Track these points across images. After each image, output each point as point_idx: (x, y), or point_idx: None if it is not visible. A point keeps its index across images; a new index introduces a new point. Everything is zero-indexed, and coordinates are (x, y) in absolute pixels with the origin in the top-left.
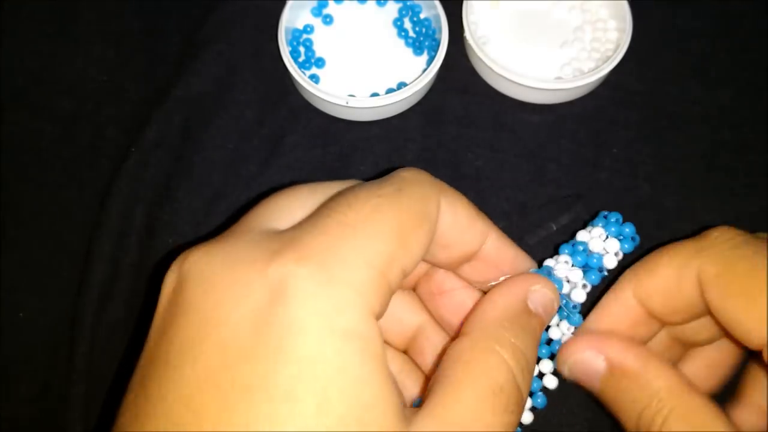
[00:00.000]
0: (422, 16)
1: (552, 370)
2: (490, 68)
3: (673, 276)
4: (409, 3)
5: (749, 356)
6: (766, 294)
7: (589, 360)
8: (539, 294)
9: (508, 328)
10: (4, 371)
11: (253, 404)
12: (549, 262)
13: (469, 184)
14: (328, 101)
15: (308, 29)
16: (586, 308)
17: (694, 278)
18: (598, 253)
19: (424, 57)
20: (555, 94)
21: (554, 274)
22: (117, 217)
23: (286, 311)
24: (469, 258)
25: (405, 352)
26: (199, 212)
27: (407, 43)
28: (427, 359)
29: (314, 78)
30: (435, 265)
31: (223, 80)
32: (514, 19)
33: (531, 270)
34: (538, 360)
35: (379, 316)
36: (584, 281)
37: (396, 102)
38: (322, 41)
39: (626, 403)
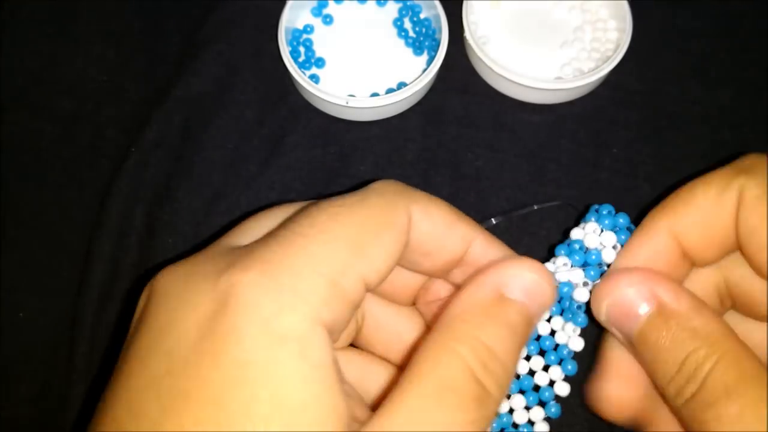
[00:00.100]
0: (422, 16)
1: (563, 377)
2: (490, 68)
3: (712, 204)
4: (409, 3)
5: None
6: None
7: (633, 299)
8: (517, 278)
9: (469, 321)
10: (4, 371)
11: (187, 409)
12: (547, 266)
13: (469, 184)
14: (328, 101)
15: (308, 29)
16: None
17: (734, 202)
18: (595, 249)
19: (424, 57)
20: (555, 94)
21: (556, 279)
22: (117, 217)
23: (227, 318)
24: (455, 263)
25: None
26: (199, 212)
27: (407, 43)
28: None
29: (314, 78)
30: (422, 273)
31: (223, 80)
32: (514, 19)
33: None
34: (547, 368)
35: (330, 324)
36: (585, 279)
37: (396, 102)
38: (322, 41)
39: (669, 349)
